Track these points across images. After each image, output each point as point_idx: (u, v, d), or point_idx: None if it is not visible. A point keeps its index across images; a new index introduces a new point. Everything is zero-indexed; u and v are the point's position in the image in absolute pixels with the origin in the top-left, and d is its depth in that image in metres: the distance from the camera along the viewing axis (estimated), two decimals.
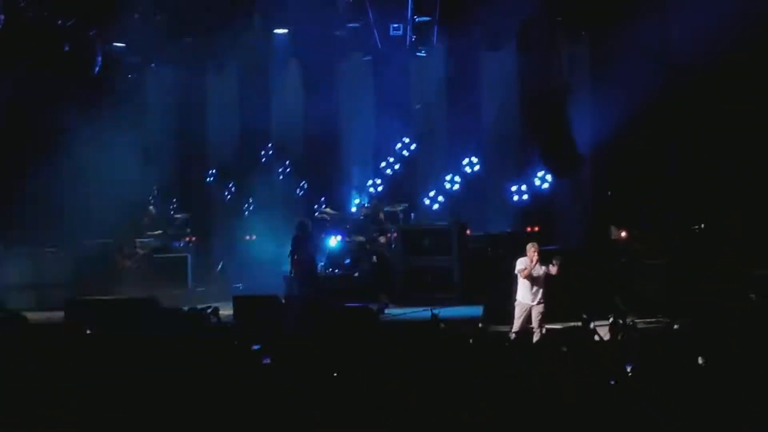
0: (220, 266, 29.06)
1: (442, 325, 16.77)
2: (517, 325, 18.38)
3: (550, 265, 18.43)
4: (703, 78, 23.62)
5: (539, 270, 18.52)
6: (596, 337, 14.99)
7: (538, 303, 18.44)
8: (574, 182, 22.89)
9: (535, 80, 25.28)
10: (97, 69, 29.74)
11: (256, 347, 15.68)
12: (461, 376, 11.49)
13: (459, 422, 10.00)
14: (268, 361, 15.19)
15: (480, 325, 17.05)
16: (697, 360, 11.38)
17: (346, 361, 13.16)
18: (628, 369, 11.63)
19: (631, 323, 15.81)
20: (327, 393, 11.14)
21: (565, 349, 13.83)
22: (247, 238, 28.00)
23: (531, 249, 18.55)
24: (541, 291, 18.46)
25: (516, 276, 18.68)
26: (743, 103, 23.55)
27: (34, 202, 27.65)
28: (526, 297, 18.55)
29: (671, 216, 23.19)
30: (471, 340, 14.03)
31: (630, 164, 24.51)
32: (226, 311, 21.44)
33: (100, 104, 29.74)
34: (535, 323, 18.28)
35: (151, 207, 29.46)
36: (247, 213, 30.76)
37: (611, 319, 15.75)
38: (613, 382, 10.83)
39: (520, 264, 18.57)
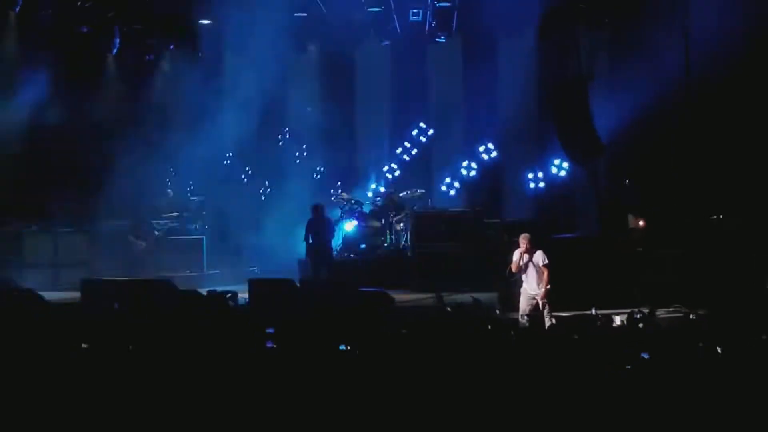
0: (238, 247, 29.05)
1: (448, 309, 16.78)
2: (522, 308, 18.39)
3: (541, 257, 18.43)
4: (726, 66, 23.50)
5: (530, 261, 18.49)
6: (613, 324, 14.99)
7: (545, 293, 18.41)
8: (592, 170, 22.80)
9: (556, 68, 25.18)
10: (115, 50, 29.79)
11: (270, 330, 15.71)
12: (475, 362, 11.48)
13: (472, 409, 9.99)
14: (271, 345, 15.22)
15: (497, 311, 16.99)
16: (715, 349, 11.35)
17: (360, 345, 13.18)
18: (644, 357, 11.61)
19: (649, 313, 15.80)
20: (339, 377, 11.14)
21: (576, 337, 13.86)
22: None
23: (522, 240, 18.56)
24: (540, 280, 18.40)
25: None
26: (765, 92, 23.47)
27: (53, 183, 27.67)
28: (529, 286, 18.56)
29: (689, 205, 23.09)
30: (489, 327, 14.04)
31: (648, 152, 24.42)
32: (242, 294, 21.50)
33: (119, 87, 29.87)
34: (544, 311, 18.28)
35: (168, 189, 29.47)
36: (263, 197, 30.76)
37: (630, 310, 15.74)
38: (629, 368, 10.81)
39: (515, 255, 18.58)
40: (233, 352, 12.49)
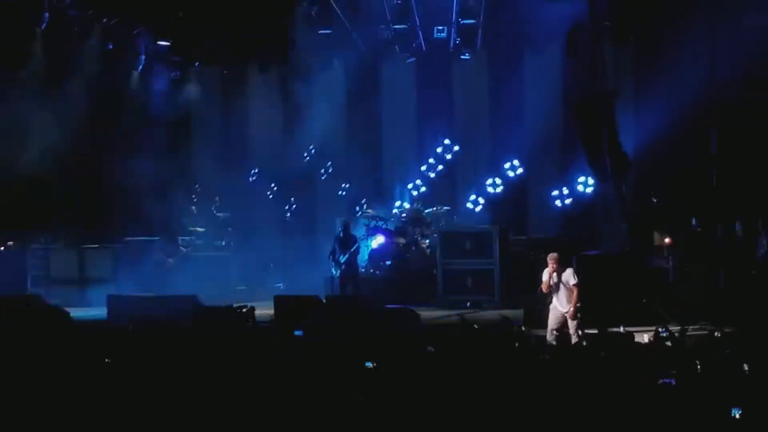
0: (264, 264, 29.08)
1: (475, 326, 16.78)
2: (551, 324, 18.39)
3: (571, 276, 18.43)
4: (749, 84, 23.46)
5: (559, 280, 18.50)
6: (639, 341, 14.95)
7: (574, 312, 18.40)
8: (618, 187, 22.73)
9: (581, 84, 25.17)
10: (140, 68, 29.93)
11: (297, 332, 15.71)
12: (502, 379, 11.46)
13: (497, 426, 9.97)
14: (300, 333, 15.21)
15: (523, 328, 16.97)
16: (742, 367, 11.30)
17: (386, 362, 13.17)
18: (673, 374, 11.57)
19: (679, 330, 15.75)
20: (365, 394, 11.13)
21: (602, 354, 13.82)
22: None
23: (550, 260, 18.57)
24: (570, 298, 18.40)
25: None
26: None
27: (79, 199, 27.78)
28: (559, 303, 18.55)
29: (715, 222, 23.01)
30: (517, 344, 14.02)
31: (674, 170, 24.35)
32: (268, 310, 21.53)
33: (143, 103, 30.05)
34: (571, 328, 18.25)
35: (192, 207, 29.56)
36: (289, 213, 30.80)
37: (656, 328, 15.69)
38: (661, 382, 10.77)
39: (544, 275, 18.60)
40: (251, 366, 12.51)
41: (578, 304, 18.25)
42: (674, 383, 11.01)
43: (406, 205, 28.65)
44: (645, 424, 9.78)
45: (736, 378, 11.08)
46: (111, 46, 28.90)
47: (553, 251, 18.95)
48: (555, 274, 18.44)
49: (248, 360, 13.54)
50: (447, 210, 27.69)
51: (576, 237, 25.69)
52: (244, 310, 18.93)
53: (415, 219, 27.16)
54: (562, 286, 18.44)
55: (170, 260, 27.04)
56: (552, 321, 18.51)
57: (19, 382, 11.77)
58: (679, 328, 16.54)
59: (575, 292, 18.28)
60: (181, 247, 27.24)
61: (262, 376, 12.04)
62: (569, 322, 18.29)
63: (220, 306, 21.09)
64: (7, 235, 27.87)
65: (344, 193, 30.12)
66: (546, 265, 18.69)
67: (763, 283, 20.30)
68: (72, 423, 10.43)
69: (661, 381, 11.00)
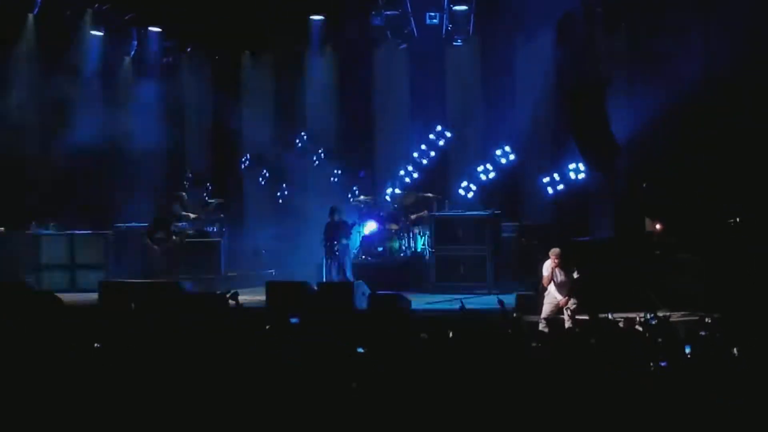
0: (256, 250, 29.08)
1: (515, 314, 16.90)
2: (545, 312, 18.47)
3: (573, 274, 18.53)
4: (743, 71, 23.46)
5: (560, 275, 18.60)
6: (629, 328, 14.97)
7: (567, 300, 18.49)
8: (609, 174, 22.76)
9: (573, 72, 25.19)
10: (132, 53, 29.89)
11: (294, 320, 15.74)
12: (494, 365, 11.46)
13: (490, 413, 9.98)
14: (296, 320, 15.24)
15: (514, 315, 17.02)
16: (731, 351, 11.32)
17: (378, 348, 13.18)
18: (661, 362, 11.59)
19: (664, 317, 15.79)
20: (356, 380, 11.13)
21: (593, 341, 13.86)
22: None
23: (552, 256, 18.66)
24: (568, 290, 18.52)
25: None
26: None
27: (70, 184, 27.77)
28: (555, 292, 18.63)
29: (706, 209, 23.04)
30: (510, 331, 14.02)
31: (666, 156, 24.36)
32: (260, 297, 21.55)
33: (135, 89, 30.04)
34: (566, 315, 18.33)
35: (183, 193, 29.50)
36: (280, 200, 30.78)
37: (644, 315, 15.75)
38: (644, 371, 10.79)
39: (545, 270, 18.69)
40: (240, 355, 12.50)
41: (568, 297, 18.37)
42: (665, 365, 11.03)
43: (398, 192, 28.65)
44: (637, 411, 9.80)
45: (726, 362, 11.10)
46: (103, 32, 28.86)
47: (555, 246, 19.12)
48: (557, 270, 18.56)
49: (237, 348, 13.55)
50: (436, 197, 27.62)
51: (567, 223, 25.74)
52: (227, 295, 18.88)
53: (409, 199, 27.22)
54: (563, 279, 18.53)
55: (159, 246, 26.98)
56: (546, 308, 18.58)
57: (13, 367, 11.77)
58: (667, 314, 16.60)
59: (575, 284, 18.42)
60: (173, 236, 27.16)
61: (255, 365, 12.04)
62: (564, 309, 18.36)
63: (206, 292, 21.14)
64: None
65: (336, 179, 30.07)
66: (546, 259, 18.81)
67: (753, 269, 20.33)
68: (63, 409, 10.44)
69: (652, 365, 11.02)
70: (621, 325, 15.55)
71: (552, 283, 18.73)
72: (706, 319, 16.12)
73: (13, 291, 22.62)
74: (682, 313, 18.26)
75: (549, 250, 19.04)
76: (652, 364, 11.17)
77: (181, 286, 22.53)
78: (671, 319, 16.32)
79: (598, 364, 11.43)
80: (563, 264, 18.64)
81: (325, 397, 10.45)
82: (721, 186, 23.31)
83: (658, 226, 23.85)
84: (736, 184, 23.36)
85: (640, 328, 15.45)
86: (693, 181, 23.75)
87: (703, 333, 14.80)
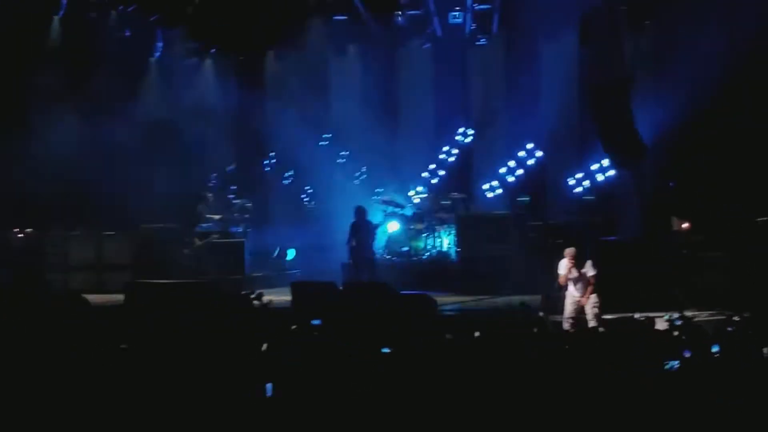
0: (277, 251, 29.07)
1: (541, 314, 16.88)
2: (567, 311, 18.46)
3: (589, 269, 18.52)
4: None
5: (577, 274, 18.59)
6: (654, 327, 14.91)
7: (588, 299, 18.47)
8: (636, 173, 22.67)
9: (597, 70, 25.10)
10: (157, 54, 29.98)
11: (315, 322, 15.75)
12: (521, 365, 11.43)
13: (514, 413, 9.95)
14: (318, 322, 15.26)
15: (540, 314, 16.98)
16: (761, 351, 11.26)
17: (403, 349, 13.16)
18: (686, 359, 11.53)
19: (689, 317, 15.74)
20: (382, 380, 11.12)
21: (618, 340, 13.80)
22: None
23: (567, 255, 18.66)
24: (587, 288, 18.48)
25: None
26: None
27: (95, 186, 27.84)
28: (575, 292, 18.62)
29: (734, 207, 22.94)
30: (535, 329, 13.98)
31: (693, 155, 24.27)
32: (285, 297, 21.54)
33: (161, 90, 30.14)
34: (590, 314, 18.30)
35: (209, 194, 29.57)
36: (306, 199, 30.78)
37: (668, 315, 15.70)
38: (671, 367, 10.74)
39: (561, 269, 18.68)
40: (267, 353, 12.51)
41: (593, 293, 18.34)
42: (680, 364, 10.98)
43: (423, 191, 28.60)
44: (656, 411, 9.77)
45: (754, 362, 11.04)
46: (128, 33, 28.96)
47: (571, 245, 19.09)
48: (573, 269, 18.55)
49: (264, 347, 13.56)
50: (462, 197, 27.61)
51: (594, 222, 25.65)
52: (252, 296, 18.91)
53: (433, 205, 27.17)
54: (580, 277, 18.51)
55: (189, 247, 27.03)
56: (569, 308, 18.56)
57: (38, 367, 11.81)
58: (694, 313, 16.55)
59: (593, 282, 18.36)
60: (196, 239, 27.22)
61: (278, 365, 12.04)
62: (586, 308, 18.33)
63: (234, 293, 21.14)
64: (26, 222, 27.99)
65: (361, 179, 30.03)
66: (561, 257, 18.79)
67: None
68: (87, 408, 10.46)
69: (669, 364, 10.97)
70: (646, 324, 15.53)
71: (570, 282, 18.73)
72: (734, 318, 16.06)
73: (43, 292, 22.81)
74: (710, 312, 18.15)
75: (572, 248, 19.04)
76: (676, 363, 11.12)
77: (213, 286, 22.60)
78: (699, 319, 16.26)
79: (621, 363, 11.39)
80: (579, 263, 18.63)
81: (349, 399, 10.44)
82: (748, 184, 23.22)
83: (685, 225, 23.77)
84: (764, 182, 23.25)
85: (666, 328, 15.42)
86: (720, 180, 23.65)
87: (730, 329, 14.77)
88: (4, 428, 10.36)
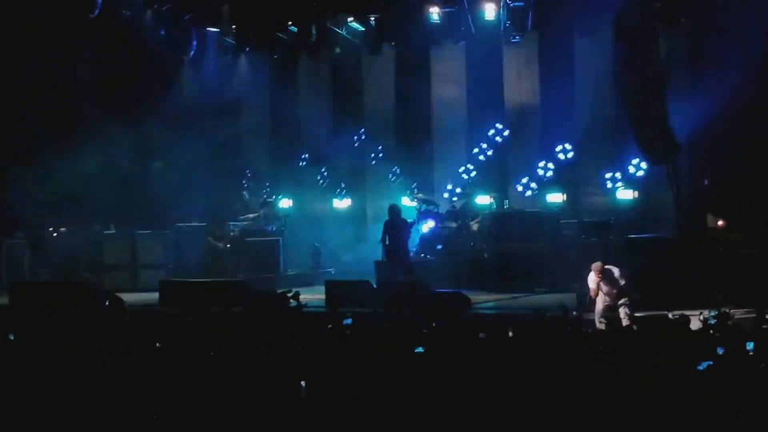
0: (315, 249, 29.07)
1: (575, 313, 16.88)
2: (599, 308, 18.45)
3: (619, 277, 18.52)
4: None
5: (606, 287, 18.61)
6: (690, 325, 14.84)
7: (621, 304, 18.47)
8: (670, 170, 22.56)
9: (632, 68, 25.01)
10: (192, 53, 30.08)
11: (347, 321, 15.78)
12: (553, 364, 11.40)
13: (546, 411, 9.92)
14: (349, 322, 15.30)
15: (574, 313, 16.94)
16: None
17: (437, 348, 13.14)
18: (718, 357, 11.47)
19: (724, 314, 15.64)
20: (415, 379, 11.11)
21: (648, 338, 13.76)
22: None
23: (595, 271, 18.68)
24: (619, 295, 18.48)
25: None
26: None
27: (130, 186, 28.00)
28: (606, 295, 18.65)
29: None
30: (569, 327, 13.96)
31: (728, 152, 24.12)
32: (320, 295, 21.56)
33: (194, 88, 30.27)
34: (622, 313, 18.26)
35: (244, 192, 29.66)
36: (339, 198, 30.75)
37: (703, 313, 15.64)
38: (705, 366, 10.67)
39: (591, 283, 18.72)
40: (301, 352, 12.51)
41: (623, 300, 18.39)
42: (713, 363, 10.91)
43: (458, 190, 28.55)
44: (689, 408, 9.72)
45: None
46: (163, 33, 29.08)
47: (597, 260, 19.14)
48: (601, 283, 18.59)
49: (298, 346, 13.58)
50: (495, 195, 27.54)
51: (628, 220, 25.55)
52: (289, 295, 18.94)
53: (465, 204, 27.16)
54: (609, 289, 18.54)
55: (219, 245, 27.09)
56: (599, 305, 18.54)
57: (73, 366, 11.87)
58: (730, 310, 16.44)
59: (624, 288, 18.40)
60: (231, 232, 27.31)
61: (314, 364, 12.05)
62: (620, 307, 18.30)
63: (269, 291, 21.19)
64: (61, 221, 28.17)
65: (395, 177, 29.99)
66: (594, 258, 18.83)
67: None
68: (122, 407, 10.51)
69: (703, 364, 10.91)
70: (681, 322, 15.47)
71: (600, 293, 18.78)
72: (766, 315, 15.99)
73: (77, 290, 23.00)
74: (746, 310, 18.03)
75: (608, 247, 19.08)
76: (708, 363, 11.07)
77: (247, 285, 22.71)
78: (736, 317, 16.15)
79: (655, 360, 11.34)
80: (606, 275, 18.65)
81: (386, 396, 10.44)
82: None
83: (720, 223, 23.65)
84: None
85: (701, 326, 15.35)
86: (755, 177, 23.52)
87: (766, 326, 14.68)
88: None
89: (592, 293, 18.84)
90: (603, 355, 10.93)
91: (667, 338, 12.42)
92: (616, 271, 18.68)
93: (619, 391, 9.72)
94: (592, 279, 18.80)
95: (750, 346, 12.65)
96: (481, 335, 14.26)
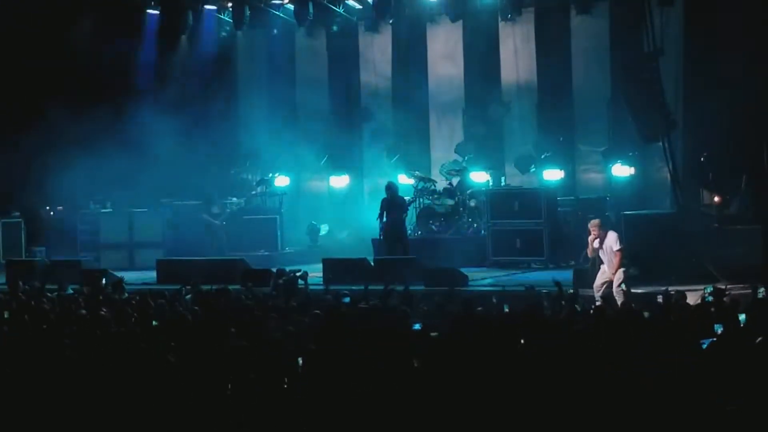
0: (312, 227, 29.06)
1: (571, 290, 16.92)
2: (597, 282, 18.44)
3: (615, 242, 18.51)
4: None
5: (599, 245, 18.61)
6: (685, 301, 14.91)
7: (615, 276, 18.46)
8: (665, 147, 22.57)
9: (627, 44, 25.05)
10: (188, 31, 30.05)
11: (345, 300, 15.84)
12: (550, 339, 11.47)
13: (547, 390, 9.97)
14: (347, 300, 15.38)
15: (570, 290, 16.97)
16: None
17: (433, 325, 13.22)
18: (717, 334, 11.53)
19: (720, 289, 15.73)
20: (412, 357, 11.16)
21: (646, 315, 13.83)
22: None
23: (591, 228, 18.71)
24: (614, 263, 18.46)
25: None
26: None
27: (126, 162, 27.94)
28: (605, 266, 18.66)
29: (764, 181, 22.85)
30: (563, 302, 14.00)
31: (723, 128, 24.13)
32: (316, 273, 21.61)
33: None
34: (616, 291, 18.27)
35: (243, 171, 29.68)
36: (336, 175, 30.71)
37: (703, 289, 15.72)
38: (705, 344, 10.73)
39: (590, 241, 18.76)
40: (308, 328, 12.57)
41: (620, 268, 18.32)
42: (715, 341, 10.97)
43: (455, 168, 28.52)
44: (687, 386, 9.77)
45: None
46: (158, 11, 29.07)
47: (595, 217, 19.12)
48: (597, 240, 18.55)
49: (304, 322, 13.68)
50: (491, 172, 27.51)
51: (624, 196, 25.60)
52: (298, 275, 19.05)
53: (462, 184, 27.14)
54: (606, 251, 18.51)
55: (215, 221, 27.02)
56: (598, 281, 18.56)
57: (73, 342, 11.93)
58: (726, 286, 16.53)
59: (617, 258, 18.34)
60: (227, 209, 27.32)
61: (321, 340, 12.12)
62: (614, 284, 18.32)
63: (268, 269, 21.24)
64: (57, 199, 28.17)
65: (391, 155, 29.93)
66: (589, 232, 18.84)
67: None
68: (120, 382, 10.57)
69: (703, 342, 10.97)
70: (678, 298, 15.54)
71: (598, 255, 18.76)
72: (760, 290, 16.11)
73: (71, 268, 23.06)
74: (742, 285, 18.10)
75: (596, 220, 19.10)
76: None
77: (245, 263, 22.77)
78: (732, 292, 16.24)
79: (652, 336, 11.39)
80: (604, 233, 18.60)
81: (386, 375, 10.49)
82: None
83: (716, 199, 23.69)
84: None
85: (698, 301, 15.42)
86: (751, 153, 23.55)
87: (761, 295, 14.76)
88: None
89: (588, 251, 18.84)
90: (603, 354, 10.86)
91: (666, 327, 12.36)
92: (612, 236, 18.64)
93: (618, 391, 9.70)
94: (591, 238, 18.81)
95: (742, 318, 12.75)
96: (478, 309, 14.36)
